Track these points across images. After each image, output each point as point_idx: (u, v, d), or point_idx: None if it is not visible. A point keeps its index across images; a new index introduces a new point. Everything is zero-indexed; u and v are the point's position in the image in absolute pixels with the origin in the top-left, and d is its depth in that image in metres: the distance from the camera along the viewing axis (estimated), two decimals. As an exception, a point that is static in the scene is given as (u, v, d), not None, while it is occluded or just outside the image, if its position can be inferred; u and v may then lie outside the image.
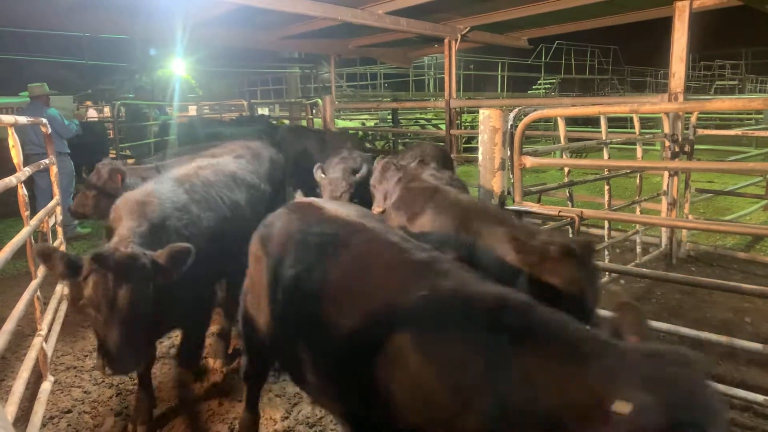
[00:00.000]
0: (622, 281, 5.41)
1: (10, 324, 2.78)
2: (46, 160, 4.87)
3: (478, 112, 4.17)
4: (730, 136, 9.64)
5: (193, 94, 18.00)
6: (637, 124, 5.84)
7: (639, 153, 5.71)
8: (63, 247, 5.22)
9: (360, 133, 12.92)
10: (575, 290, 2.42)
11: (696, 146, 5.85)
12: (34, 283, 3.45)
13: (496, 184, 4.06)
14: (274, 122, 10.60)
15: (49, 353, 3.74)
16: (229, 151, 4.56)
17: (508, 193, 3.95)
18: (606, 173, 5.47)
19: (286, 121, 14.82)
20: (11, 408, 2.79)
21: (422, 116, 17.52)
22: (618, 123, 16.99)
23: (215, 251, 3.28)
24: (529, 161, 3.73)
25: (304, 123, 12.76)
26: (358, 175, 4.85)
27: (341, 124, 13.93)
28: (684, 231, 6.11)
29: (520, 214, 3.72)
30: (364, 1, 6.67)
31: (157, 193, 3.17)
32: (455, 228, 2.99)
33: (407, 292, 1.85)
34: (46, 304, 4.06)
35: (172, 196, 3.24)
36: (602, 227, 5.66)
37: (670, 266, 5.91)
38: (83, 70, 18.30)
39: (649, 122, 13.70)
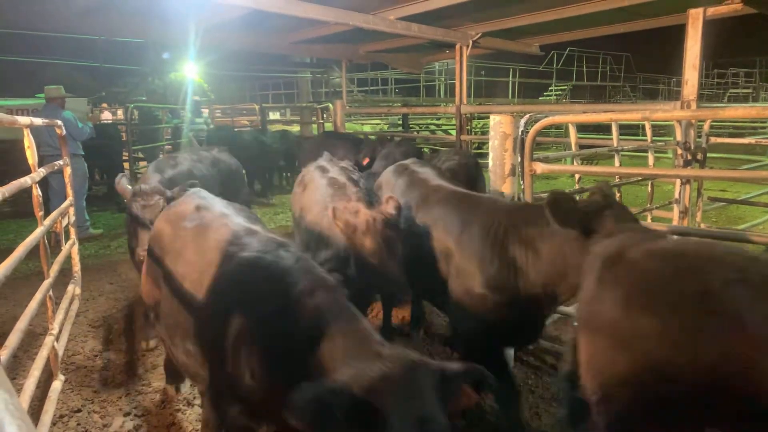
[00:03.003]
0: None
1: (22, 323, 2.81)
2: (61, 162, 4.93)
3: (488, 118, 4.18)
4: (744, 145, 9.55)
5: (205, 97, 18.14)
6: (648, 131, 5.80)
7: (651, 160, 5.67)
8: (75, 247, 5.27)
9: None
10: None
11: (709, 154, 5.80)
12: (46, 283, 3.48)
13: (507, 190, 4.06)
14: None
15: (60, 352, 3.77)
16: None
17: (519, 199, 3.94)
18: (617, 180, 5.44)
19: (297, 126, 14.93)
20: (23, 407, 2.81)
21: (433, 122, 17.53)
22: (629, 130, 16.88)
23: None
24: (539, 167, 3.72)
25: (314, 127, 12.84)
26: None
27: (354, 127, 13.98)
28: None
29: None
30: (376, 6, 6.70)
31: None
32: None
33: None
34: (57, 303, 4.09)
35: None
36: (613, 235, 5.62)
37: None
38: (97, 73, 18.49)
39: (661, 130, 13.62)
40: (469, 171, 5.47)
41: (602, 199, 2.63)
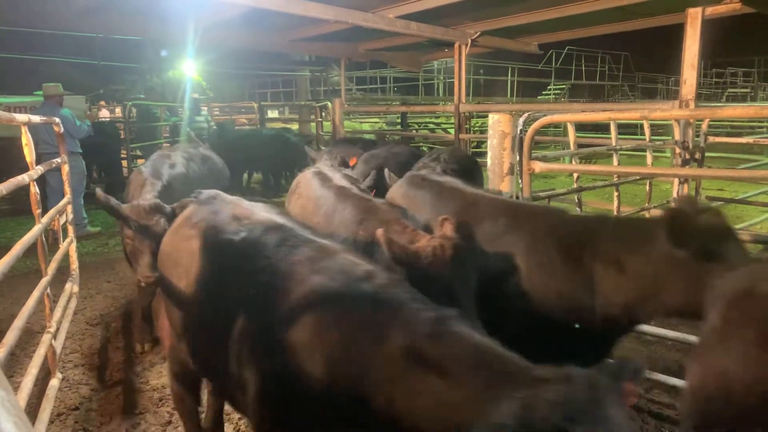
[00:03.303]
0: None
1: (20, 321, 2.80)
2: (58, 159, 4.92)
3: (487, 117, 4.18)
4: (742, 144, 9.55)
5: (204, 95, 18.13)
6: (647, 130, 5.80)
7: (649, 160, 5.67)
8: (73, 245, 5.27)
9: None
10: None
11: (707, 154, 5.80)
12: (44, 281, 3.47)
13: (505, 189, 4.06)
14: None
15: (58, 350, 3.77)
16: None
17: (517, 198, 3.94)
18: (615, 179, 5.43)
19: (296, 125, 14.94)
20: (20, 404, 2.80)
21: (431, 120, 17.54)
22: (628, 129, 16.91)
23: None
24: (538, 166, 3.72)
25: (313, 126, 12.85)
26: None
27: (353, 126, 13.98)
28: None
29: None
30: (376, 4, 6.70)
31: None
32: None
33: None
34: (55, 301, 4.09)
35: None
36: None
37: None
38: (95, 71, 18.46)
39: (660, 129, 13.64)
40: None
41: (723, 222, 2.35)
